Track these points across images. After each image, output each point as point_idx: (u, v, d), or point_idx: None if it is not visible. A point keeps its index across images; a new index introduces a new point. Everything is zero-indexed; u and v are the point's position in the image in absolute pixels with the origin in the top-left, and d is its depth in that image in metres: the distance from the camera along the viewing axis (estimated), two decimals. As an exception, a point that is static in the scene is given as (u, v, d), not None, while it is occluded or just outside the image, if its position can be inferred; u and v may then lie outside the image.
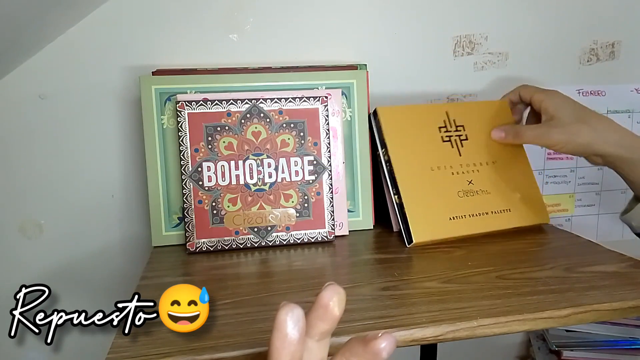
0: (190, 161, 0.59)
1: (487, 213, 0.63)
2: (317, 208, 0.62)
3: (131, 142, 0.72)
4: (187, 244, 0.60)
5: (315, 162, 0.62)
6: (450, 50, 0.80)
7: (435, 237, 0.60)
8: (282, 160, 0.61)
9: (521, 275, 0.51)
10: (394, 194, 0.62)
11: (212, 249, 0.60)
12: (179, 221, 0.63)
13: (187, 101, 0.60)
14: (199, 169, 0.59)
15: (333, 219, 0.62)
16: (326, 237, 0.62)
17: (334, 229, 0.62)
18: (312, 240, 0.61)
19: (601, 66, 0.85)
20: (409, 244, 0.60)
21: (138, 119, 0.68)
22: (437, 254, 0.58)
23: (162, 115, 0.63)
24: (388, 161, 0.62)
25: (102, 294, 0.76)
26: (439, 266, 0.54)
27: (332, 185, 0.62)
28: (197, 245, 0.60)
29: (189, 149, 0.59)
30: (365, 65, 0.70)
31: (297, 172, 0.61)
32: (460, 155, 0.65)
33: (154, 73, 0.65)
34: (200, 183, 0.60)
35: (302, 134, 0.62)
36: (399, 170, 0.62)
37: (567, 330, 0.83)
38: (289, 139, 0.61)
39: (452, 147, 0.65)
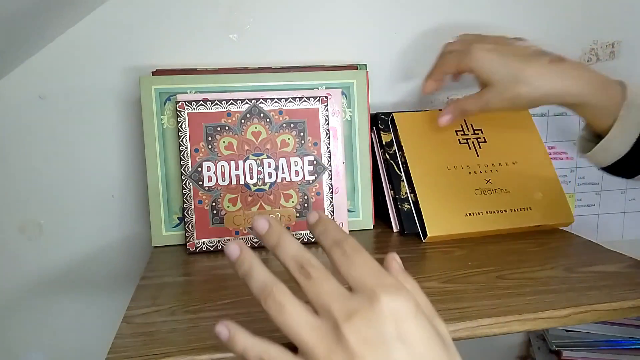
0: (190, 161, 0.59)
1: (505, 211, 0.63)
2: (317, 208, 0.62)
3: (131, 142, 0.72)
4: (187, 244, 0.60)
5: (315, 162, 0.62)
6: (450, 50, 0.80)
7: (450, 232, 0.61)
8: (282, 160, 0.61)
9: (521, 275, 0.51)
10: (410, 192, 0.63)
11: (212, 249, 0.60)
12: (179, 221, 0.63)
13: (187, 101, 0.59)
14: (199, 169, 0.59)
15: (333, 219, 0.62)
16: None
17: None
18: (312, 240, 0.61)
19: (601, 66, 0.85)
20: (423, 239, 0.61)
21: (138, 119, 0.68)
22: (437, 254, 0.58)
23: (162, 115, 0.63)
24: (405, 163, 0.64)
25: (102, 294, 0.76)
26: (439, 266, 0.54)
27: (332, 185, 0.63)
28: (197, 245, 0.60)
29: (189, 149, 0.59)
30: (365, 65, 0.70)
31: (297, 172, 0.61)
32: (478, 156, 0.66)
33: (154, 73, 0.65)
34: (200, 183, 0.59)
35: (302, 134, 0.62)
36: (414, 170, 0.63)
37: (567, 330, 0.83)
38: (289, 139, 0.61)
39: (470, 148, 0.67)
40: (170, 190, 0.63)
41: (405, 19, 0.77)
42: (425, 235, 0.61)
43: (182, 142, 0.60)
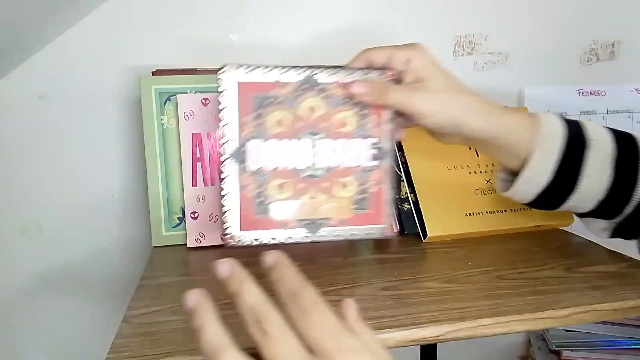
0: (234, 137, 0.48)
1: (505, 211, 0.63)
2: (377, 201, 0.52)
3: (131, 142, 0.72)
4: (225, 236, 0.49)
5: (378, 146, 0.52)
6: (450, 50, 0.80)
7: (450, 232, 0.61)
8: (341, 142, 0.51)
9: (521, 275, 0.51)
10: (410, 192, 0.63)
11: (257, 242, 0.49)
12: (179, 221, 0.63)
13: (236, 66, 0.49)
14: (243, 149, 0.49)
15: (393, 212, 0.54)
16: (386, 233, 0.52)
17: (392, 224, 0.53)
18: (372, 238, 0.52)
19: (601, 66, 0.85)
20: (423, 239, 0.61)
21: (138, 119, 0.68)
22: (437, 254, 0.58)
23: (162, 115, 0.63)
24: (405, 162, 0.64)
25: (101, 294, 0.76)
26: (439, 266, 0.54)
27: (394, 175, 0.54)
28: (240, 238, 0.49)
29: (232, 122, 0.48)
30: (365, 65, 0.70)
31: (356, 157, 0.52)
32: (478, 156, 0.66)
33: (154, 73, 0.65)
34: (245, 165, 0.49)
35: (364, 111, 0.52)
36: (414, 170, 0.63)
37: (567, 330, 0.82)
38: (349, 117, 0.51)
39: (470, 148, 0.66)
40: (170, 190, 0.63)
41: (405, 18, 0.77)
42: (425, 235, 0.61)
43: (226, 114, 0.48)
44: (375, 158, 0.52)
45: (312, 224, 0.51)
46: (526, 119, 0.51)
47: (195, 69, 0.66)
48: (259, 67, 0.49)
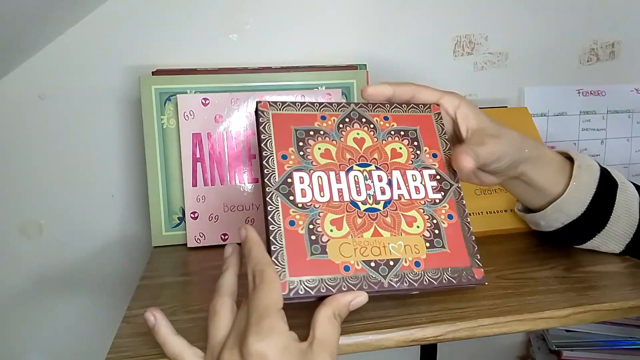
0: (277, 169, 0.44)
1: (505, 210, 0.63)
2: (453, 237, 0.45)
3: (131, 142, 0.72)
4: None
5: (438, 178, 0.47)
6: (450, 50, 0.80)
7: None
8: (396, 173, 0.47)
9: (521, 275, 0.51)
10: None
11: (312, 291, 0.40)
12: (179, 221, 0.63)
13: (271, 102, 0.47)
14: (289, 180, 0.44)
15: (477, 251, 0.45)
16: (473, 277, 0.43)
17: (480, 266, 0.44)
18: (455, 284, 0.43)
19: (601, 66, 0.85)
20: None
21: (138, 119, 0.68)
22: (437, 254, 0.58)
23: (162, 115, 0.63)
24: None
25: (102, 294, 0.76)
26: (439, 266, 0.54)
27: (465, 208, 0.47)
28: (292, 287, 0.39)
29: (274, 154, 0.45)
30: (365, 65, 0.70)
31: (417, 189, 0.46)
32: None
33: (154, 73, 0.65)
34: (292, 198, 0.43)
35: (416, 143, 0.49)
36: None
37: (567, 330, 0.83)
38: (400, 148, 0.48)
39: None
40: (170, 190, 0.63)
41: (405, 19, 0.77)
42: None
43: (266, 147, 0.45)
44: (438, 190, 0.47)
45: (382, 267, 0.42)
46: (558, 154, 0.53)
47: (195, 69, 0.66)
48: (295, 103, 0.48)
